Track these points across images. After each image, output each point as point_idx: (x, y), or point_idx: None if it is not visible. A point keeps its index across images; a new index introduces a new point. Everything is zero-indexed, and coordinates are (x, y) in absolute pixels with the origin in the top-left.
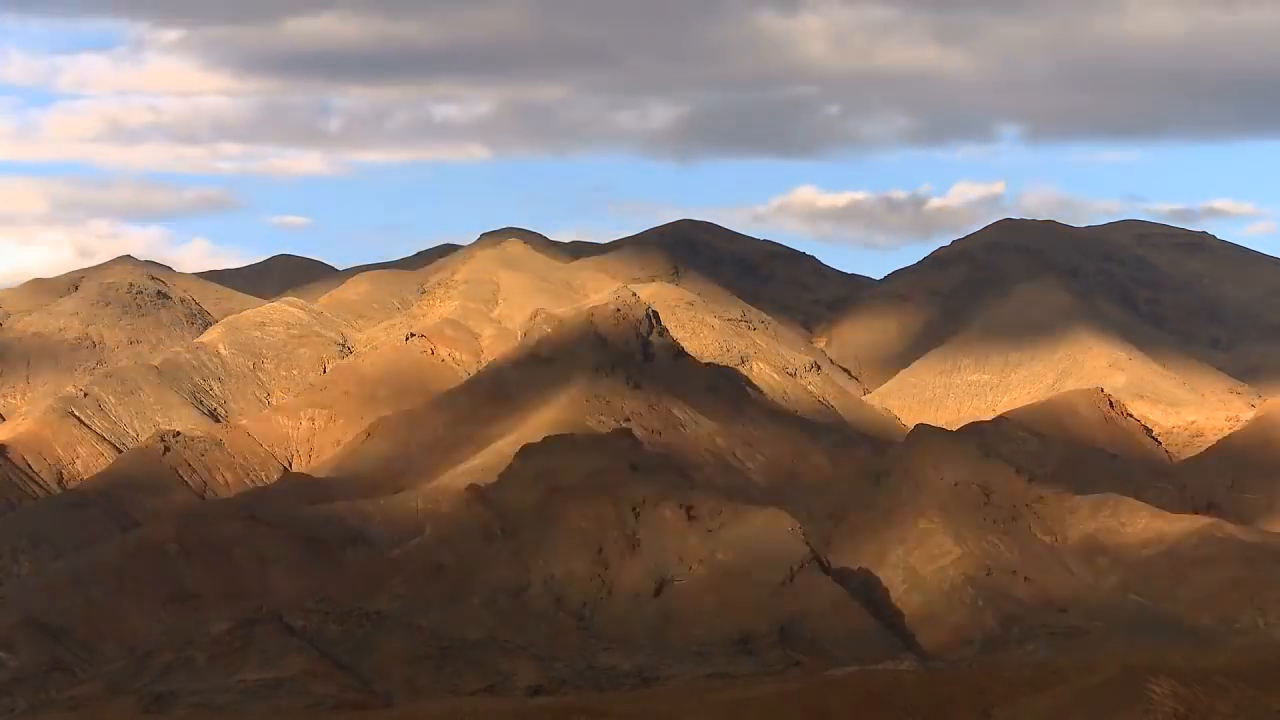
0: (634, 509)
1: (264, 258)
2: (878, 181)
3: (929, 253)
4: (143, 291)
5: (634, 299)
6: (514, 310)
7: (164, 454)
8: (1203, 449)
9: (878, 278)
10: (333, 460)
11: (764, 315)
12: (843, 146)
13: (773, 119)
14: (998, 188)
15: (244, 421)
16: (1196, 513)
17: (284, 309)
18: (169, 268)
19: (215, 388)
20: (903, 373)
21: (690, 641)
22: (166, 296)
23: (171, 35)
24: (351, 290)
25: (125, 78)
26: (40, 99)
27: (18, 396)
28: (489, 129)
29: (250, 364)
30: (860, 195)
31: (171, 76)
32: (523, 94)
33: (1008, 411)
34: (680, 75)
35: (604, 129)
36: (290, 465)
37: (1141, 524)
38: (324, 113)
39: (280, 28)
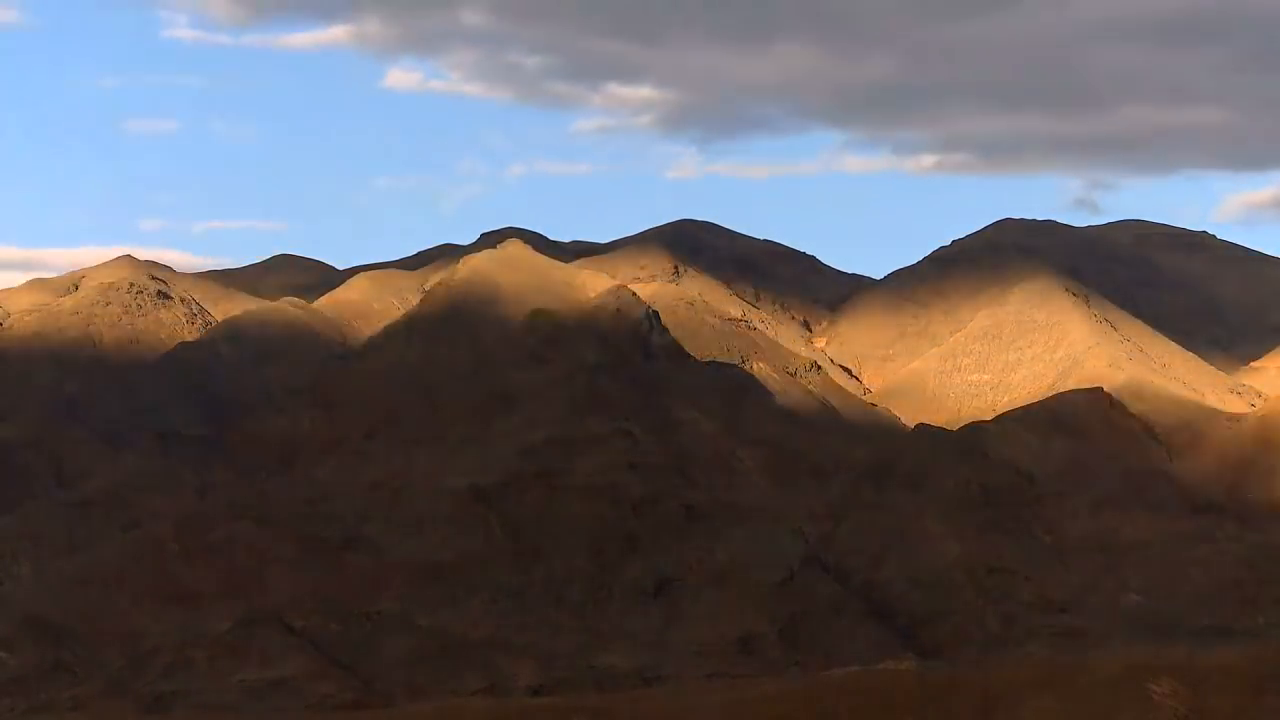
0: (634, 509)
1: (265, 258)
2: None
3: (929, 252)
4: (143, 291)
5: (634, 299)
6: (514, 310)
7: (164, 454)
8: (1203, 449)
9: (878, 277)
10: (333, 460)
11: (764, 315)
12: None
13: None
14: None
15: (244, 421)
16: (1196, 512)
17: (284, 309)
18: (169, 267)
19: (215, 388)
20: (903, 373)
21: (690, 641)
22: (166, 296)
23: None
24: (352, 290)
25: None
26: None
27: (18, 396)
28: None
29: (250, 364)
30: None
31: None
32: None
33: (1008, 411)
34: None
35: None
36: (290, 465)
37: (1141, 524)
38: None
39: None
